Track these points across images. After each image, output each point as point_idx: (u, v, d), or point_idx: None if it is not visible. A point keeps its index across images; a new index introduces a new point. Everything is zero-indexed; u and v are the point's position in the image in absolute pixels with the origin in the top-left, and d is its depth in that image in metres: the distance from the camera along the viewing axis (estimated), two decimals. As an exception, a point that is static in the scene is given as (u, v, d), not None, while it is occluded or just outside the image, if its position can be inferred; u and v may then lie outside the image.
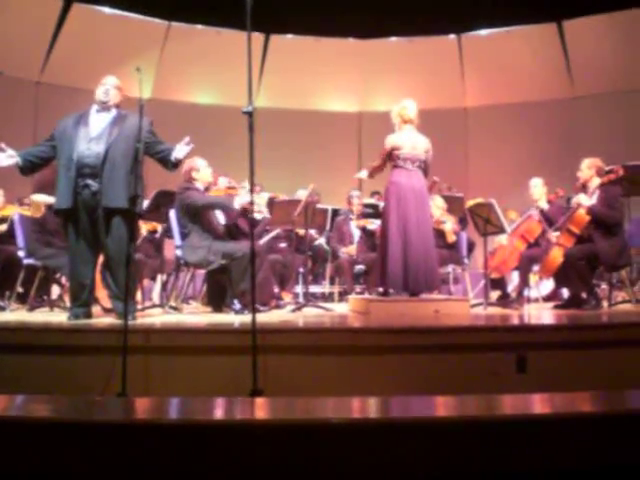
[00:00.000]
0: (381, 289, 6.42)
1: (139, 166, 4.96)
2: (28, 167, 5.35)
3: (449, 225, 8.21)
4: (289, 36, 12.27)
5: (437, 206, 8.29)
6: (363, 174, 6.70)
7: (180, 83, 12.07)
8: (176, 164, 5.37)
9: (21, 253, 6.96)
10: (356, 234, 8.78)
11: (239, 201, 6.34)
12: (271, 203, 7.70)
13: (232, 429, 2.55)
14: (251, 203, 4.62)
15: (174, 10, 11.38)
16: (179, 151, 5.29)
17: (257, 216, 7.42)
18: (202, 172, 6.60)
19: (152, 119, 5.34)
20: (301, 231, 7.87)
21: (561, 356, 4.52)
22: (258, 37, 11.60)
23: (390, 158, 6.33)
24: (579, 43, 11.57)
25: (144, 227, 7.89)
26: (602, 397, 3.18)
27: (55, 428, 2.54)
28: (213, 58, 11.48)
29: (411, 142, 6.27)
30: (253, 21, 4.11)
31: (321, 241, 8.88)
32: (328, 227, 8.60)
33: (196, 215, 6.36)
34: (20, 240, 7.02)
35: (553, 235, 6.73)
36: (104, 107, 5.40)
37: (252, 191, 4.35)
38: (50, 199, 6.40)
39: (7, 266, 7.21)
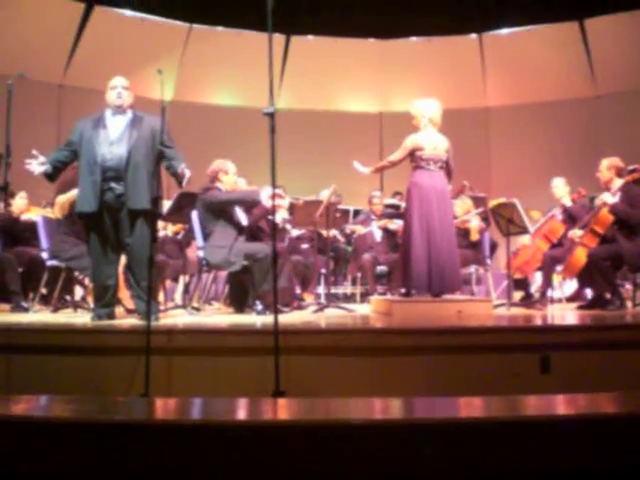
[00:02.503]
0: (403, 290, 6.39)
1: (159, 167, 4.98)
2: (54, 173, 5.40)
3: (475, 222, 8.15)
4: (309, 37, 12.27)
5: (461, 207, 8.25)
6: (365, 170, 6.51)
7: (201, 85, 12.11)
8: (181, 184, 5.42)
9: (44, 254, 7.01)
10: (377, 235, 8.76)
11: (267, 193, 6.28)
12: (292, 206, 7.68)
13: (254, 430, 2.55)
14: (273, 196, 4.59)
15: (195, 12, 11.42)
16: (183, 180, 5.29)
17: (278, 219, 7.38)
18: (230, 177, 6.60)
19: (166, 122, 5.24)
20: (323, 232, 7.85)
21: (585, 357, 4.49)
22: (279, 38, 11.61)
23: (411, 159, 6.29)
24: (601, 42, 11.47)
25: (170, 228, 7.91)
26: (626, 398, 3.15)
27: (78, 428, 2.55)
28: (234, 60, 11.50)
29: (433, 142, 6.20)
30: (274, 22, 4.11)
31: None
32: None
33: (219, 212, 6.35)
34: (44, 242, 7.06)
35: (575, 233, 6.67)
36: (119, 110, 5.43)
37: (274, 191, 4.37)
38: (74, 193, 6.46)
39: (31, 268, 7.26)
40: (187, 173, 5.25)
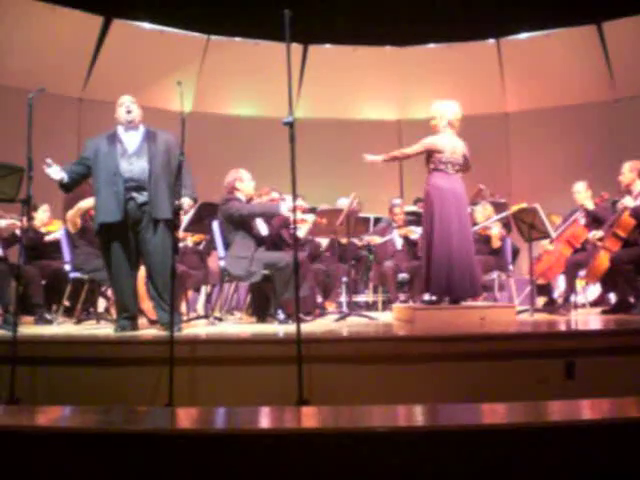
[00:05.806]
0: (427, 297, 6.34)
1: (179, 179, 4.97)
2: (71, 184, 5.43)
3: (496, 230, 8.11)
4: (327, 46, 12.28)
5: (483, 213, 8.23)
6: (377, 158, 6.31)
7: (220, 95, 12.15)
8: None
9: (67, 267, 7.05)
10: (398, 243, 8.74)
11: (286, 205, 6.27)
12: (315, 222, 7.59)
13: (278, 438, 2.54)
14: (294, 207, 4.58)
15: (213, 24, 11.46)
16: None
17: (300, 233, 7.31)
18: (245, 184, 6.62)
19: (177, 137, 4.97)
20: (343, 240, 7.83)
21: (610, 361, 4.45)
22: (296, 48, 11.62)
23: (429, 161, 6.21)
24: (619, 44, 11.40)
25: (190, 239, 7.93)
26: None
27: (102, 439, 2.56)
28: (252, 70, 11.53)
29: (451, 146, 6.14)
30: (291, 32, 4.12)
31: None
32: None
33: (239, 224, 6.37)
34: (66, 254, 7.10)
35: (595, 234, 6.67)
36: (131, 125, 5.47)
37: (295, 200, 4.37)
38: (87, 203, 6.56)
39: (54, 280, 7.30)
40: (185, 203, 5.22)
